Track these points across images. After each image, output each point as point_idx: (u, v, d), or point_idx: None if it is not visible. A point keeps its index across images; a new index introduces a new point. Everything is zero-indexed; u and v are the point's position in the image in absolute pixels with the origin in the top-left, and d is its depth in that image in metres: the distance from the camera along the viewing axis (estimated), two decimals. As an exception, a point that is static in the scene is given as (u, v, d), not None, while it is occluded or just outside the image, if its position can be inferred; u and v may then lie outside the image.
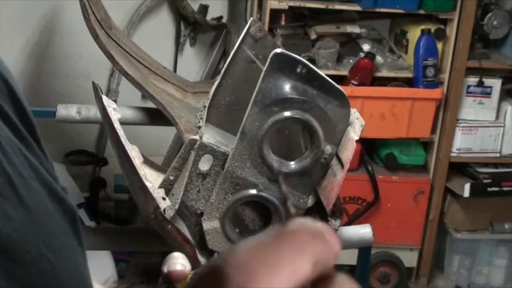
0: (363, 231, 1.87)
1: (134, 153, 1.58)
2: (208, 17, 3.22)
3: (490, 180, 3.05)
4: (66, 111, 2.40)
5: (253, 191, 1.61)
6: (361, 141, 2.32)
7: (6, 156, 0.61)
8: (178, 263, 0.65)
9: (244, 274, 0.46)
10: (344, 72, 2.90)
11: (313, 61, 2.82)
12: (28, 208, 0.60)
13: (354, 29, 2.96)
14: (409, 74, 2.95)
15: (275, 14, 2.84)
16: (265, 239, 0.48)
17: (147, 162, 1.90)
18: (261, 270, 0.46)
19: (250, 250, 0.47)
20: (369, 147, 3.07)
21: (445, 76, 2.97)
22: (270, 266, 0.46)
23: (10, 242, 0.57)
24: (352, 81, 2.87)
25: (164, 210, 1.50)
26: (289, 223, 0.48)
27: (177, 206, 1.55)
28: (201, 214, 1.64)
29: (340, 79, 2.79)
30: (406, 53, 3.02)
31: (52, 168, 0.70)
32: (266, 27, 2.74)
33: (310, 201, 1.65)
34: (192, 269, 0.66)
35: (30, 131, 0.69)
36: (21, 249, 0.58)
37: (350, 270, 3.17)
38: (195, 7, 3.18)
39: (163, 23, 3.23)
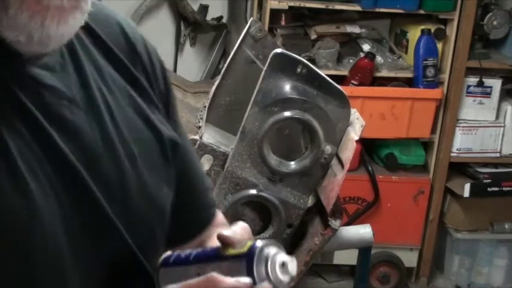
0: (363, 231, 1.87)
1: (134, 153, 1.58)
2: (208, 17, 3.22)
3: (490, 180, 3.05)
4: (66, 111, 2.40)
5: (253, 191, 1.61)
6: (361, 141, 2.32)
7: (106, 85, 0.78)
8: (232, 229, 0.73)
9: None
10: (344, 72, 2.89)
11: (313, 61, 2.81)
12: (117, 124, 0.77)
13: (354, 29, 2.96)
14: (409, 74, 2.95)
15: (275, 14, 2.84)
16: None
17: (147, 162, 1.90)
18: None
19: None
20: (369, 147, 3.07)
21: (445, 76, 2.96)
22: None
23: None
24: (352, 81, 2.87)
25: (164, 210, 1.50)
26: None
27: (177, 206, 1.55)
28: (201, 214, 1.64)
29: (340, 79, 2.79)
30: (406, 53, 3.02)
31: (168, 119, 0.86)
32: (266, 27, 2.74)
33: (310, 201, 1.65)
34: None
35: (154, 88, 0.88)
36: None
37: (350, 270, 3.17)
38: (195, 7, 3.18)
39: (163, 23, 3.23)
